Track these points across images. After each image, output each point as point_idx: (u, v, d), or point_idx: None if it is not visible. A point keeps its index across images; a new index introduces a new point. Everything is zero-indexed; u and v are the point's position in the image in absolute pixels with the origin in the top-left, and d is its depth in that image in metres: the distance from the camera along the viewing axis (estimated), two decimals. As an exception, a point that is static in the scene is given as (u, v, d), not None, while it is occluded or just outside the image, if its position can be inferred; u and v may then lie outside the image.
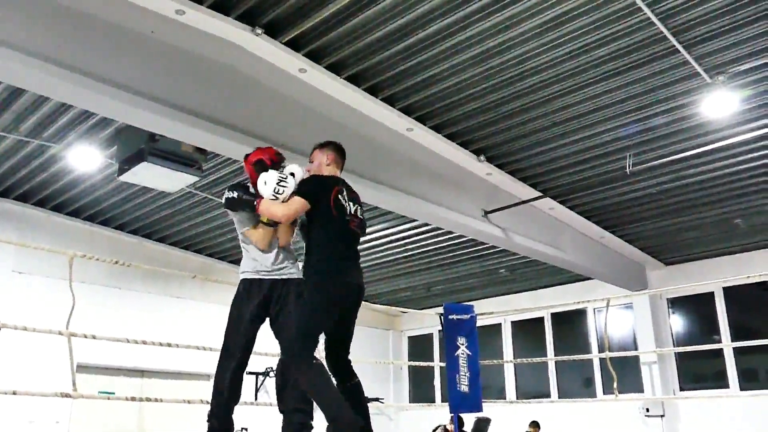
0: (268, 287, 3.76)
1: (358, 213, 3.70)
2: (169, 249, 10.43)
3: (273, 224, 3.76)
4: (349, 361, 3.72)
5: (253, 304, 3.73)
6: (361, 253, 10.93)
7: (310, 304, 3.48)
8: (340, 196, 3.62)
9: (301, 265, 3.82)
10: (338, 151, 3.94)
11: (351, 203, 3.67)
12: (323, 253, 3.56)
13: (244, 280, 3.82)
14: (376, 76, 5.83)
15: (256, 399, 11.10)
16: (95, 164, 7.38)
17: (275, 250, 3.84)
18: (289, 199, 3.62)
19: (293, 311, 3.65)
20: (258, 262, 3.81)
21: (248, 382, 11.61)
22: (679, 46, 5.19)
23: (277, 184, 3.64)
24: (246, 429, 9.31)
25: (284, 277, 3.79)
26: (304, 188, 3.63)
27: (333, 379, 3.49)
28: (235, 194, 3.73)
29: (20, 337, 6.81)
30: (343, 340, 3.71)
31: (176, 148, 6.16)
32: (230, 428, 3.83)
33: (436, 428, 10.61)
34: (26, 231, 8.75)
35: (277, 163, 3.86)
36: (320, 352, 3.54)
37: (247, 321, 3.73)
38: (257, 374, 11.50)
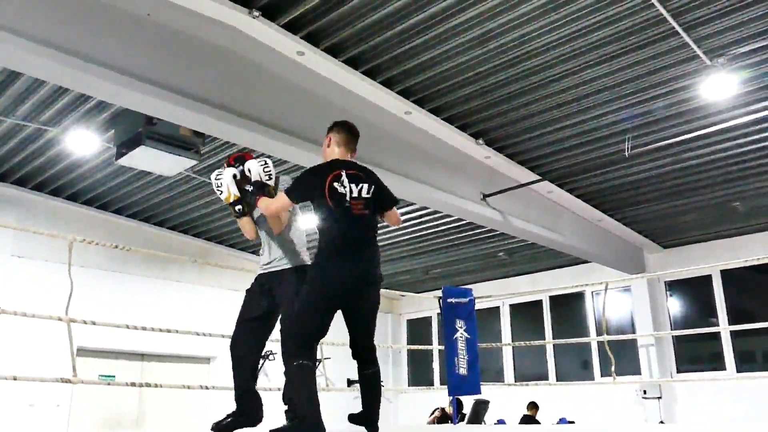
0: (264, 282, 3.87)
1: (364, 192, 3.48)
2: (169, 233, 10.43)
3: (240, 214, 3.86)
4: (371, 349, 3.59)
5: (258, 300, 3.84)
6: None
7: (301, 301, 3.41)
8: (336, 182, 3.43)
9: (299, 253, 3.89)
10: (341, 132, 3.72)
11: (354, 185, 3.46)
12: (321, 246, 3.47)
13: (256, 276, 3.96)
14: (375, 59, 5.80)
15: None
16: (93, 148, 7.36)
17: (268, 245, 3.91)
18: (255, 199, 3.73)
19: (288, 302, 3.68)
20: (260, 257, 3.94)
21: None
22: (678, 28, 5.16)
23: (215, 179, 3.84)
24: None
25: (275, 269, 3.84)
26: (296, 183, 3.57)
27: (316, 382, 3.39)
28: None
29: (20, 322, 6.82)
30: (360, 329, 3.57)
31: (174, 131, 6.14)
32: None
33: (434, 411, 10.69)
34: (25, 215, 8.74)
35: (232, 164, 3.92)
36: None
37: (253, 318, 3.83)
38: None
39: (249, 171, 3.79)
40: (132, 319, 5.85)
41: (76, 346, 4.58)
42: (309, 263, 3.80)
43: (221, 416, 3.84)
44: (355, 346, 3.59)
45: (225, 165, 4.02)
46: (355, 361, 3.57)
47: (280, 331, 3.65)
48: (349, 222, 3.43)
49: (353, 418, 3.64)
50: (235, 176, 3.83)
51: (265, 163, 3.83)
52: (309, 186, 3.52)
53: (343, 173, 3.49)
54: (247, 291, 3.93)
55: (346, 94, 6.14)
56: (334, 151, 3.68)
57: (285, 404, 3.85)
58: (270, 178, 3.81)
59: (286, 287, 3.75)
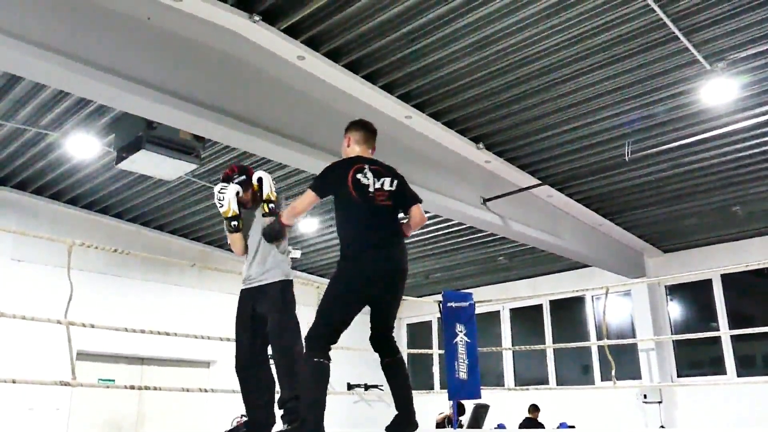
0: (249, 297, 3.95)
1: (387, 185, 3.52)
2: (168, 237, 10.43)
3: (234, 230, 3.92)
4: (390, 339, 3.62)
5: (247, 314, 3.93)
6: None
7: (329, 295, 3.42)
8: (359, 174, 3.47)
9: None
10: (359, 130, 3.75)
11: (376, 178, 3.50)
12: (345, 239, 3.48)
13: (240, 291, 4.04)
14: (375, 63, 5.81)
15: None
16: (93, 152, 7.37)
17: (255, 259, 3.97)
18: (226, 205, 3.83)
19: (277, 314, 3.83)
20: (244, 272, 4.02)
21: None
22: (678, 33, 5.17)
23: (218, 192, 3.89)
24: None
25: (262, 283, 3.92)
26: (318, 179, 3.57)
27: (328, 384, 3.38)
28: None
29: (19, 325, 6.82)
30: (383, 321, 3.60)
31: (174, 135, 6.15)
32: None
33: (441, 415, 10.68)
34: (24, 219, 8.75)
35: (230, 176, 4.00)
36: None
37: (245, 332, 3.92)
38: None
39: (260, 182, 3.89)
40: (131, 323, 5.85)
41: (76, 350, 4.58)
42: (291, 278, 3.97)
43: (229, 426, 3.85)
44: (377, 337, 3.61)
45: (224, 176, 4.07)
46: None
47: (276, 344, 3.78)
48: (373, 213, 3.46)
49: (392, 428, 3.57)
50: (238, 193, 3.90)
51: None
52: (332, 179, 3.53)
53: (366, 167, 3.54)
54: (238, 309, 3.99)
55: (347, 98, 6.15)
56: (354, 149, 3.71)
57: (280, 407, 3.85)
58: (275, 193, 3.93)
59: (272, 301, 3.86)
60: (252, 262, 3.99)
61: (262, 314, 3.90)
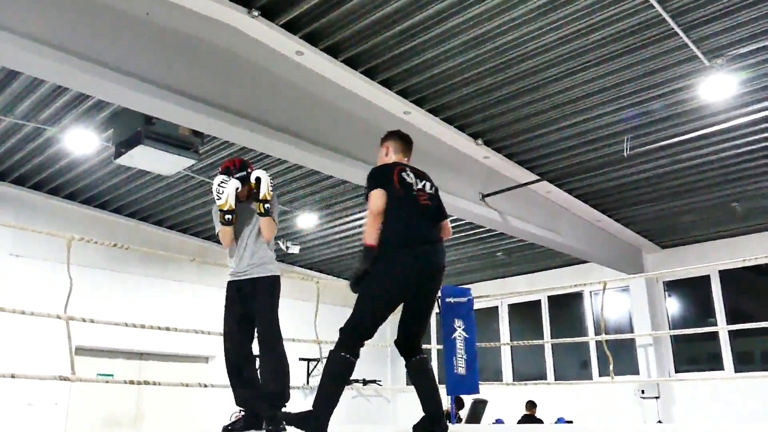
0: (237, 289, 4.04)
1: (427, 188, 3.66)
2: (167, 232, 10.43)
3: (228, 223, 3.99)
4: (416, 341, 3.64)
5: (236, 307, 4.02)
6: (356, 237, 10.92)
7: (369, 292, 3.42)
8: (403, 173, 3.60)
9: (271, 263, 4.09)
10: (397, 140, 3.88)
11: (418, 180, 3.64)
12: (388, 237, 3.47)
13: (227, 283, 4.12)
14: (374, 59, 5.80)
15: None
16: (92, 147, 7.36)
17: (246, 252, 4.05)
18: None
19: (267, 307, 3.96)
20: (233, 264, 4.09)
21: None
22: (677, 29, 5.17)
23: (219, 185, 3.97)
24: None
25: (252, 276, 4.02)
26: (371, 182, 3.60)
27: (347, 379, 3.39)
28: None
29: (18, 320, 6.82)
30: (417, 322, 3.61)
31: (173, 131, 6.14)
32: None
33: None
34: (23, 214, 8.74)
35: (232, 169, 4.10)
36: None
37: (236, 324, 4.01)
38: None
39: (258, 181, 3.97)
40: (130, 318, 5.85)
41: (75, 345, 4.58)
42: (279, 274, 4.08)
43: (227, 420, 3.92)
44: (406, 338, 3.62)
45: (223, 167, 4.15)
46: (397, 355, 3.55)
47: (261, 333, 3.91)
48: (417, 211, 3.55)
49: (419, 428, 3.56)
50: (237, 188, 3.98)
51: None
52: (382, 177, 3.59)
53: (407, 169, 3.67)
54: (227, 302, 4.06)
55: (345, 93, 6.15)
56: (392, 158, 3.82)
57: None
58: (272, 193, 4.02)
59: (263, 296, 3.97)
60: (242, 255, 4.07)
61: (249, 307, 3.99)
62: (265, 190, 3.95)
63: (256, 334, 4.02)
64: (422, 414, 3.55)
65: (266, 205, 4.00)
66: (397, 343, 3.66)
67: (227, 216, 3.97)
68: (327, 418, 3.24)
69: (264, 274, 4.04)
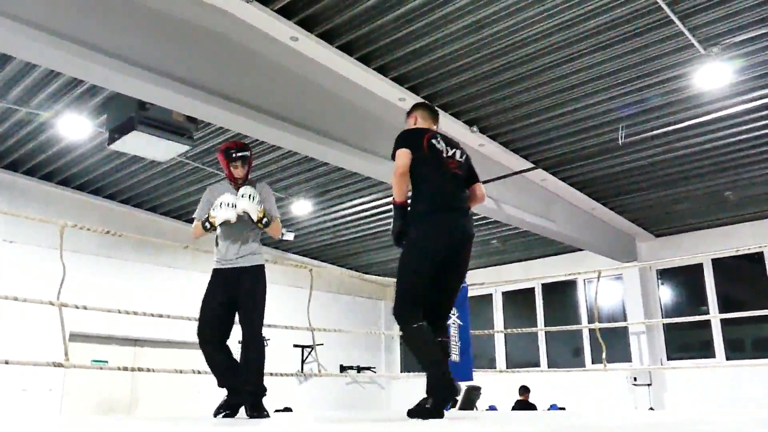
0: (224, 277, 4.09)
1: (457, 156, 3.62)
2: (161, 218, 10.41)
3: (206, 230, 4.13)
4: (439, 316, 3.57)
5: (221, 293, 4.06)
6: (351, 224, 10.93)
7: (407, 260, 3.45)
8: (433, 140, 3.57)
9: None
10: (423, 109, 3.89)
11: (448, 147, 3.60)
12: (418, 200, 3.51)
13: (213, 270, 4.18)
14: (369, 45, 5.77)
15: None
16: (85, 133, 7.32)
17: (233, 240, 4.11)
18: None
19: (255, 296, 4.06)
20: (220, 251, 4.15)
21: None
22: (673, 17, 5.16)
23: (227, 203, 4.02)
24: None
25: (241, 265, 4.09)
26: (398, 142, 3.57)
27: (433, 338, 3.38)
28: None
29: (12, 306, 6.81)
30: (444, 293, 3.57)
31: (167, 116, 6.11)
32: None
33: None
34: (16, 200, 8.71)
35: (231, 149, 4.17)
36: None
37: (220, 308, 4.07)
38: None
39: (246, 213, 4.05)
40: (124, 305, 5.85)
41: (69, 332, 4.58)
42: (264, 263, 4.17)
43: (216, 404, 3.99)
44: (433, 310, 3.54)
45: (224, 147, 4.20)
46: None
47: (249, 320, 3.97)
48: (447, 177, 3.54)
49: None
50: (233, 218, 4.04)
51: (251, 197, 4.05)
52: (410, 140, 3.58)
53: (438, 136, 3.65)
54: (209, 286, 4.12)
55: (340, 80, 6.12)
56: (421, 125, 3.79)
57: (243, 389, 3.99)
58: (261, 207, 4.06)
59: (251, 285, 4.05)
60: (231, 243, 4.11)
61: (234, 295, 4.04)
62: (255, 216, 4.03)
63: (239, 322, 4.06)
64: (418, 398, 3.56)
65: (264, 220, 4.09)
66: (427, 313, 3.56)
67: (207, 225, 4.09)
68: (448, 375, 3.28)
69: (253, 263, 4.10)
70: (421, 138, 3.56)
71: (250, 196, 4.03)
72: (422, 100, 4.00)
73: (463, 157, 3.68)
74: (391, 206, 3.57)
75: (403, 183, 3.48)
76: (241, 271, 4.07)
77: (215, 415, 4.00)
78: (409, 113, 3.91)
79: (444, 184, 3.52)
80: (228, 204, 4.00)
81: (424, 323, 3.33)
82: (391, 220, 3.58)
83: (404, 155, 3.48)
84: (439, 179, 3.51)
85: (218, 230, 4.15)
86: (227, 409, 4.01)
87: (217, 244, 4.22)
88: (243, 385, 3.99)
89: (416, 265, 3.42)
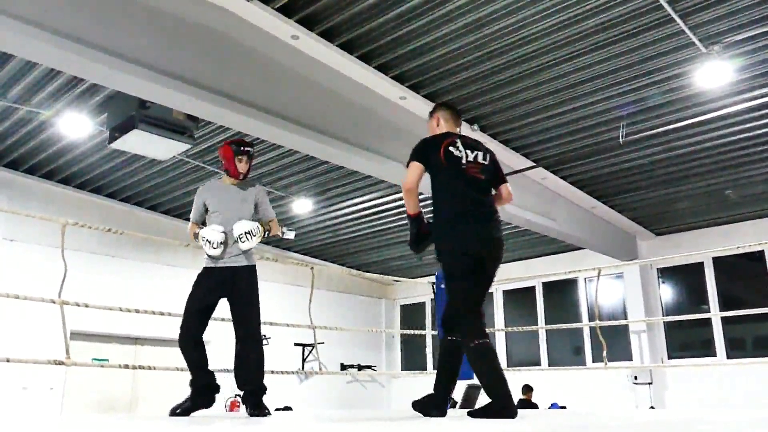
0: (216, 275, 4.09)
1: (479, 158, 3.62)
2: (161, 217, 10.41)
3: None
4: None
5: (211, 291, 4.07)
6: (351, 222, 10.92)
7: (454, 275, 3.45)
8: (451, 147, 3.57)
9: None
10: (446, 109, 3.92)
11: (468, 151, 3.60)
12: (441, 214, 3.53)
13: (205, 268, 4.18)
14: (370, 44, 5.77)
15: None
16: (86, 131, 7.33)
17: (230, 240, 4.10)
18: None
19: (251, 296, 4.08)
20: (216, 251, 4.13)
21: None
22: (674, 15, 5.15)
23: (245, 236, 4.05)
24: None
25: (235, 264, 4.10)
26: (414, 153, 3.63)
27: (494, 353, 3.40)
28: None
29: (13, 305, 6.81)
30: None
31: (167, 115, 6.11)
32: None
33: None
34: (17, 198, 8.71)
35: (241, 143, 4.24)
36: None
37: (206, 307, 4.08)
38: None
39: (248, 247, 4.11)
40: (125, 303, 5.85)
41: (70, 330, 4.58)
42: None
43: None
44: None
45: (226, 145, 4.24)
46: None
47: (246, 326, 3.99)
48: (466, 183, 3.53)
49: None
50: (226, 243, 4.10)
51: (250, 235, 4.09)
52: (426, 150, 3.61)
53: (458, 140, 3.64)
54: (199, 284, 4.10)
55: (341, 78, 6.12)
56: (443, 128, 3.82)
57: (243, 388, 4.02)
58: (254, 234, 4.08)
59: (245, 286, 4.06)
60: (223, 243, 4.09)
61: (224, 295, 4.05)
62: (257, 241, 4.08)
63: (235, 321, 4.08)
64: (413, 397, 3.57)
65: (266, 234, 4.16)
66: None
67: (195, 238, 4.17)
68: (509, 396, 3.28)
69: (247, 263, 4.12)
70: (437, 147, 3.56)
71: (248, 233, 4.05)
72: (444, 101, 4.02)
73: (487, 158, 3.68)
74: (407, 217, 3.64)
75: (413, 197, 3.54)
76: (236, 270, 4.08)
77: (173, 414, 3.95)
78: (431, 114, 3.94)
79: (465, 192, 3.52)
80: (210, 243, 4.04)
81: (486, 341, 3.35)
82: (408, 230, 3.65)
83: (415, 170, 3.54)
84: (460, 187, 3.52)
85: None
86: (186, 413, 3.96)
87: None
88: (244, 384, 4.00)
89: (464, 284, 3.44)
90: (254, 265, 4.17)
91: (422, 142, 3.68)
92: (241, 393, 4.07)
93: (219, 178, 4.50)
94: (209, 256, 4.11)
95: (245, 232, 4.03)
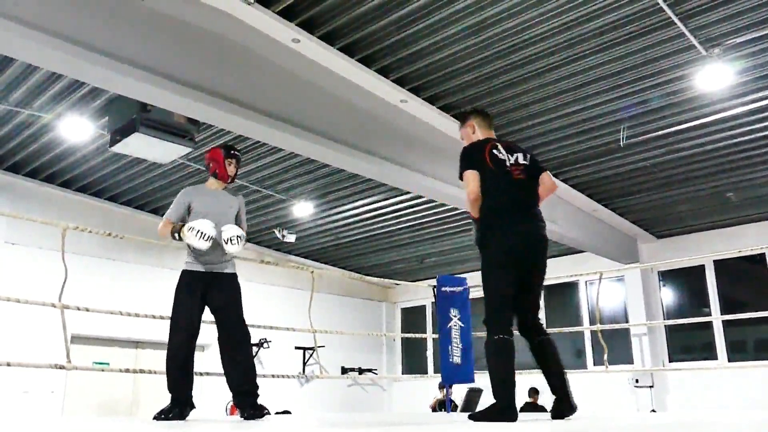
0: (202, 280, 4.11)
1: (520, 160, 3.71)
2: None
3: (174, 239, 4.20)
4: (536, 319, 3.73)
5: (199, 297, 4.10)
6: (352, 226, 10.89)
7: (485, 275, 3.56)
8: (494, 150, 3.68)
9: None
10: (479, 116, 4.02)
11: (510, 154, 3.71)
12: (488, 210, 3.60)
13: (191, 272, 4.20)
14: (370, 47, 5.77)
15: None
16: (87, 135, 7.33)
17: (217, 245, 4.11)
18: None
19: (238, 302, 4.14)
20: (199, 253, 4.15)
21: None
22: (675, 18, 5.15)
23: (233, 238, 4.07)
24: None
25: (220, 271, 4.14)
26: (463, 163, 3.71)
27: (514, 357, 3.49)
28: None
29: (13, 309, 6.81)
30: (531, 297, 3.70)
31: (168, 118, 6.11)
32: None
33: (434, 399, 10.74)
34: (18, 202, 8.72)
35: (231, 146, 4.37)
36: None
37: (198, 314, 4.14)
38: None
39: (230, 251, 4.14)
40: (126, 307, 5.85)
41: (71, 334, 4.58)
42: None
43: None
44: (525, 317, 3.68)
45: (216, 149, 4.32)
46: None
47: (239, 331, 4.06)
48: (512, 185, 3.63)
49: (554, 413, 3.62)
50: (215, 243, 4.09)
51: (239, 239, 4.12)
52: (472, 156, 3.70)
53: (499, 144, 3.75)
54: (188, 290, 4.11)
55: (342, 81, 6.12)
56: (479, 135, 3.91)
57: (240, 394, 4.08)
58: (241, 239, 4.11)
59: (233, 292, 4.11)
60: (215, 246, 4.09)
61: (210, 300, 4.08)
62: (239, 249, 4.12)
63: (223, 328, 4.09)
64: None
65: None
66: (518, 325, 3.71)
67: (176, 237, 4.14)
68: (512, 399, 3.35)
69: (233, 270, 4.19)
70: (482, 152, 3.67)
71: (238, 237, 4.08)
72: (474, 107, 4.11)
73: (527, 158, 3.77)
74: (471, 220, 3.76)
75: (477, 205, 3.62)
76: (223, 276, 4.12)
77: (159, 418, 4.02)
78: (463, 121, 4.03)
79: (511, 193, 3.62)
80: (203, 235, 4.00)
81: (509, 338, 3.43)
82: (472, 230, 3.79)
83: (473, 179, 3.62)
84: (506, 189, 3.62)
85: None
86: (176, 417, 4.04)
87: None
88: (241, 385, 3.99)
89: (495, 278, 3.54)
90: (236, 274, 4.23)
91: (467, 150, 3.78)
92: (235, 396, 4.08)
93: (203, 181, 4.52)
94: (194, 253, 4.09)
95: (236, 236, 4.04)
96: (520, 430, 2.63)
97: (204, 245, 3.99)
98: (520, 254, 3.54)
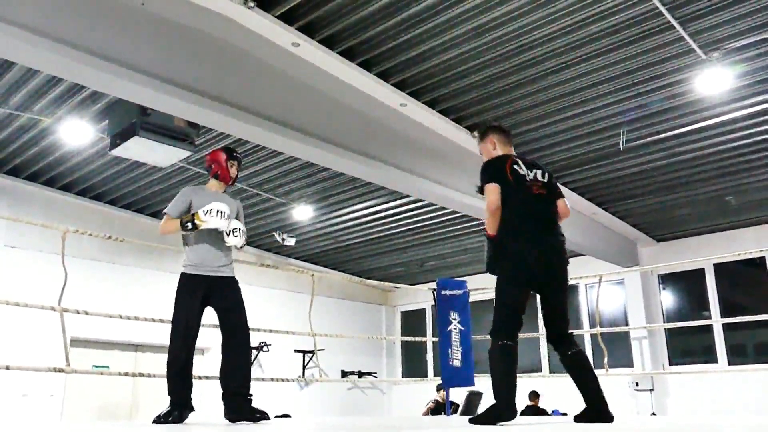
0: (202, 283, 4.10)
1: (539, 177, 3.77)
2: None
3: (186, 229, 4.12)
4: (567, 332, 3.76)
5: (198, 301, 4.10)
6: (352, 229, 10.91)
7: (499, 285, 3.62)
8: (515, 165, 3.73)
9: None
10: (498, 132, 4.03)
11: (529, 170, 3.76)
12: (507, 224, 3.64)
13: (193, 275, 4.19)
14: (370, 51, 5.78)
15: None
16: (87, 138, 7.34)
17: (212, 246, 4.14)
18: None
19: (241, 305, 4.13)
20: (197, 256, 4.17)
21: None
22: (674, 22, 5.16)
23: (222, 215, 4.06)
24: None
25: (224, 275, 4.15)
26: (485, 176, 3.76)
27: (517, 363, 3.57)
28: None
29: (13, 312, 6.81)
30: (556, 311, 3.75)
31: (168, 122, 6.12)
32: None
33: (428, 402, 10.73)
34: (18, 205, 8.71)
35: (232, 148, 4.41)
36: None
37: (198, 317, 4.15)
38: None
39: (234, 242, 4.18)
40: (126, 310, 5.85)
41: (70, 337, 4.58)
42: None
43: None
44: (551, 332, 3.75)
45: (218, 150, 4.35)
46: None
47: (241, 335, 4.04)
48: (532, 200, 3.69)
49: (582, 418, 3.68)
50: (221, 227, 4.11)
51: (242, 231, 4.18)
52: (494, 170, 3.75)
53: (519, 160, 3.80)
54: (190, 294, 4.10)
55: (341, 85, 6.13)
56: (499, 150, 3.95)
57: (234, 396, 4.06)
58: (243, 232, 4.17)
59: (235, 295, 4.11)
60: (214, 249, 4.12)
61: (212, 304, 4.08)
62: (242, 243, 4.16)
63: (227, 330, 4.09)
64: (585, 408, 3.65)
65: (243, 247, 4.26)
66: (548, 339, 3.80)
67: (190, 226, 4.06)
68: (512, 401, 3.40)
69: (233, 273, 4.20)
70: (503, 166, 3.71)
71: (241, 230, 4.12)
72: (494, 123, 4.16)
73: (546, 176, 3.82)
74: (486, 238, 3.76)
75: (497, 218, 3.64)
76: (224, 280, 4.12)
77: (158, 422, 4.03)
78: (482, 137, 4.06)
79: (530, 208, 3.67)
80: (222, 214, 4.00)
81: (513, 344, 3.54)
82: (485, 251, 3.82)
83: (495, 191, 3.65)
84: (527, 203, 3.66)
85: (194, 234, 4.13)
86: (175, 420, 4.04)
87: (186, 245, 4.21)
88: (239, 387, 4.00)
89: (510, 294, 3.60)
90: (236, 278, 4.23)
91: (488, 164, 3.82)
92: (227, 396, 4.08)
93: (204, 183, 4.53)
94: (194, 257, 4.09)
95: (239, 228, 4.06)
96: (520, 431, 2.63)
97: (223, 224, 4.00)
98: (535, 270, 3.58)
